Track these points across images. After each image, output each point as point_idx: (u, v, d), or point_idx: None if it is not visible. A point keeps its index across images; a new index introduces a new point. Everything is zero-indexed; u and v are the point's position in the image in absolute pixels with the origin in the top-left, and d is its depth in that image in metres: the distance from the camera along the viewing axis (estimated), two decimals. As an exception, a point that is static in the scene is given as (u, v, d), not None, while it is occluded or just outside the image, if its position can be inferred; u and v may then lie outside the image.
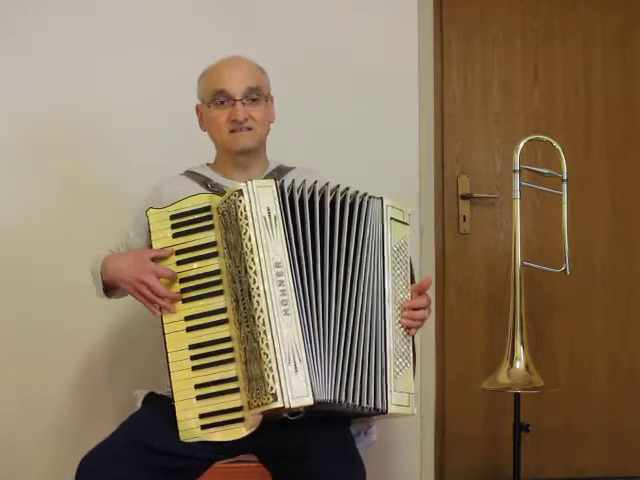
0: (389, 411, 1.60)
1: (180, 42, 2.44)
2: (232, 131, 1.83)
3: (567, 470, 2.83)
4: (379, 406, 1.59)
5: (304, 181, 1.65)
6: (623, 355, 2.85)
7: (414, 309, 1.69)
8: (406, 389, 1.65)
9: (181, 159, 1.98)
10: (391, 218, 1.70)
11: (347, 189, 1.68)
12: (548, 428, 2.76)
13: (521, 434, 2.34)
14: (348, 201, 1.66)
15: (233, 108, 1.80)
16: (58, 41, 2.39)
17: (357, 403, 1.57)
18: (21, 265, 2.36)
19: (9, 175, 2.38)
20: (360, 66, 2.54)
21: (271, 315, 1.53)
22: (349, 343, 1.59)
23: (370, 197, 1.70)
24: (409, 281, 1.72)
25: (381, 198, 1.71)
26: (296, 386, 1.50)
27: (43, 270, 2.35)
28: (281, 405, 1.49)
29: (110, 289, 1.82)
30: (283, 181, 1.64)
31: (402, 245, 1.72)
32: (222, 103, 1.82)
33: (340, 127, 2.50)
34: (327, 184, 1.67)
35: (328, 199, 1.65)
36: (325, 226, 1.63)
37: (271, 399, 1.50)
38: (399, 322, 1.66)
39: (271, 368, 1.50)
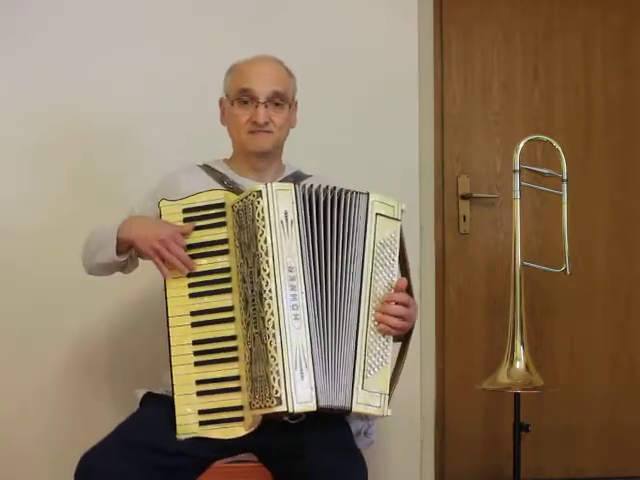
0: (353, 409, 1.56)
1: (180, 41, 2.44)
2: (251, 132, 1.82)
3: (567, 470, 2.83)
4: (345, 405, 1.56)
5: (311, 185, 1.64)
6: (623, 355, 2.85)
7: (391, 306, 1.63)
8: (379, 389, 1.59)
9: (183, 157, 1.98)
10: (377, 214, 1.65)
11: (334, 188, 1.64)
12: (548, 428, 2.76)
13: (521, 434, 2.34)
14: (335, 199, 1.63)
15: (255, 110, 1.80)
16: (57, 40, 2.39)
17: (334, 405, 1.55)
18: (20, 265, 2.36)
19: (8, 174, 2.38)
20: (360, 66, 2.54)
21: (281, 319, 1.52)
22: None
23: (355, 193, 1.65)
24: (394, 277, 1.66)
25: (367, 193, 1.66)
26: (301, 392, 1.50)
27: (42, 270, 2.35)
28: (285, 409, 1.50)
29: (121, 252, 1.76)
30: (303, 186, 1.63)
31: (389, 241, 1.66)
32: (245, 103, 1.82)
33: (340, 127, 2.50)
34: (320, 186, 1.64)
35: (329, 200, 1.63)
36: (333, 231, 1.62)
37: (275, 402, 1.50)
38: (375, 319, 1.62)
39: (277, 372, 1.50)
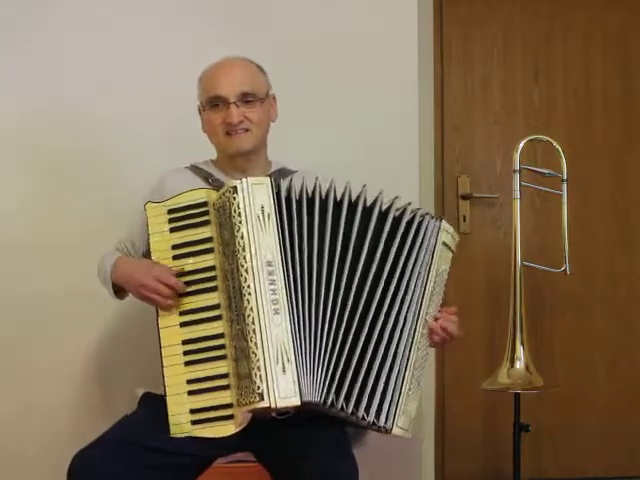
0: (393, 432, 1.59)
1: (178, 42, 2.44)
2: (228, 133, 1.83)
3: (567, 470, 2.83)
4: (382, 423, 1.58)
5: (317, 178, 1.65)
6: (623, 355, 2.85)
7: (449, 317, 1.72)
8: (410, 412, 1.63)
9: (178, 159, 1.98)
10: (443, 242, 1.70)
11: (409, 204, 1.68)
12: (548, 428, 2.76)
13: (521, 434, 2.34)
14: (407, 218, 1.66)
15: (227, 111, 1.81)
16: (56, 43, 2.39)
17: (350, 411, 1.55)
18: (18, 267, 2.35)
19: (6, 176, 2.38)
20: (360, 65, 2.53)
21: (261, 314, 1.52)
22: (352, 347, 1.57)
23: (431, 218, 1.69)
24: (439, 304, 1.73)
25: (441, 219, 1.70)
26: (283, 386, 1.49)
27: (41, 271, 2.34)
28: (267, 405, 1.49)
29: (120, 291, 1.85)
30: (281, 179, 1.64)
31: (444, 270, 1.72)
32: (217, 106, 1.83)
33: (340, 127, 2.50)
34: (380, 193, 1.67)
35: (368, 205, 1.65)
36: (326, 227, 1.62)
37: (258, 398, 1.49)
38: (422, 342, 1.66)
39: (259, 367, 1.50)
